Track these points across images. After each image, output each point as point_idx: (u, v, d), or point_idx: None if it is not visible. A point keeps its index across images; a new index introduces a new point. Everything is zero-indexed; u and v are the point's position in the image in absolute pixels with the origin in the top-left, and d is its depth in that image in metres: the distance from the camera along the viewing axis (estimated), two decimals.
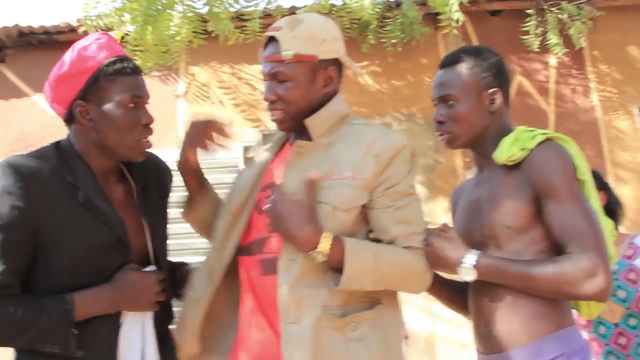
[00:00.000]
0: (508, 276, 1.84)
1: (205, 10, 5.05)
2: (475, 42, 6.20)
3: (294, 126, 1.92)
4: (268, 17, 5.70)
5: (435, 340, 5.68)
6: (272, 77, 1.88)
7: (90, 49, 1.92)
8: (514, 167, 1.93)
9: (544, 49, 6.01)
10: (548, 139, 1.92)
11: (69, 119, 1.95)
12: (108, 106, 1.88)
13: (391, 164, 1.82)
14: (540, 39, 5.92)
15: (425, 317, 5.65)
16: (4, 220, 1.76)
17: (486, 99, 2.03)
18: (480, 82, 2.04)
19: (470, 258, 1.85)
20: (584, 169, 1.92)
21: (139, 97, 1.93)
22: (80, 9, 4.79)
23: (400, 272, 1.80)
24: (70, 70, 1.89)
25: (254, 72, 6.16)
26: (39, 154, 1.91)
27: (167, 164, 2.24)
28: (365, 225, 1.86)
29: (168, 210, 2.17)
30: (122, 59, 1.93)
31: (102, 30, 4.97)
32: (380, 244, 1.82)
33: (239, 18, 5.51)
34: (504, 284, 1.87)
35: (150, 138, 1.96)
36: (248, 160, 2.11)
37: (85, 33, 5.08)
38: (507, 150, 1.93)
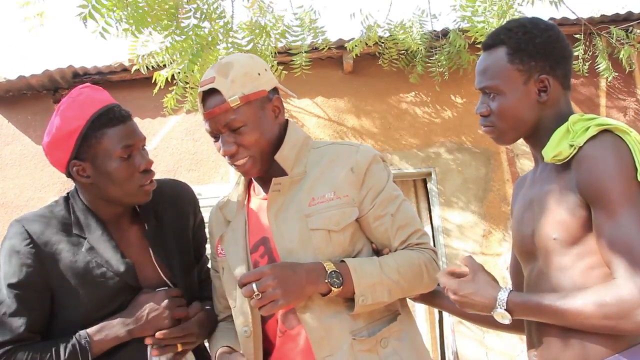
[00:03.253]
0: (542, 315, 1.57)
1: (249, 47, 5.12)
2: None
3: (263, 169, 1.87)
4: (315, 51, 5.76)
5: None
6: (226, 129, 1.80)
7: (73, 109, 1.88)
8: (566, 166, 1.60)
9: (593, 73, 5.94)
10: (603, 131, 1.54)
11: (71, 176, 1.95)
12: (102, 161, 1.87)
13: (368, 174, 1.84)
14: (589, 63, 5.85)
15: (479, 347, 5.56)
16: (15, 278, 1.82)
17: (534, 87, 1.70)
18: (526, 68, 1.70)
19: (502, 300, 1.59)
20: None
21: (131, 145, 1.89)
22: (128, 48, 4.90)
23: (409, 274, 1.79)
24: (58, 134, 1.87)
25: (303, 106, 6.21)
26: (48, 210, 1.96)
27: (188, 190, 2.22)
28: (366, 242, 1.87)
29: (192, 236, 2.15)
30: (107, 110, 1.89)
31: (154, 68, 5.09)
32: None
33: (287, 53, 5.57)
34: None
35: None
36: (222, 238, 1.97)
37: (138, 72, 5.21)
38: (553, 147, 1.61)
